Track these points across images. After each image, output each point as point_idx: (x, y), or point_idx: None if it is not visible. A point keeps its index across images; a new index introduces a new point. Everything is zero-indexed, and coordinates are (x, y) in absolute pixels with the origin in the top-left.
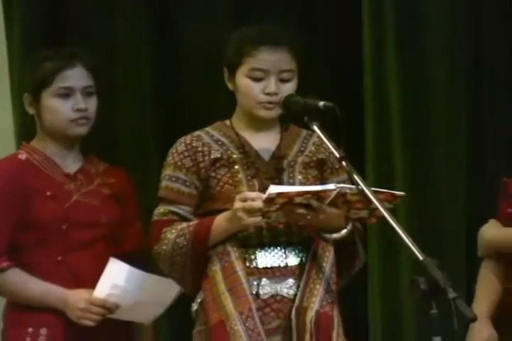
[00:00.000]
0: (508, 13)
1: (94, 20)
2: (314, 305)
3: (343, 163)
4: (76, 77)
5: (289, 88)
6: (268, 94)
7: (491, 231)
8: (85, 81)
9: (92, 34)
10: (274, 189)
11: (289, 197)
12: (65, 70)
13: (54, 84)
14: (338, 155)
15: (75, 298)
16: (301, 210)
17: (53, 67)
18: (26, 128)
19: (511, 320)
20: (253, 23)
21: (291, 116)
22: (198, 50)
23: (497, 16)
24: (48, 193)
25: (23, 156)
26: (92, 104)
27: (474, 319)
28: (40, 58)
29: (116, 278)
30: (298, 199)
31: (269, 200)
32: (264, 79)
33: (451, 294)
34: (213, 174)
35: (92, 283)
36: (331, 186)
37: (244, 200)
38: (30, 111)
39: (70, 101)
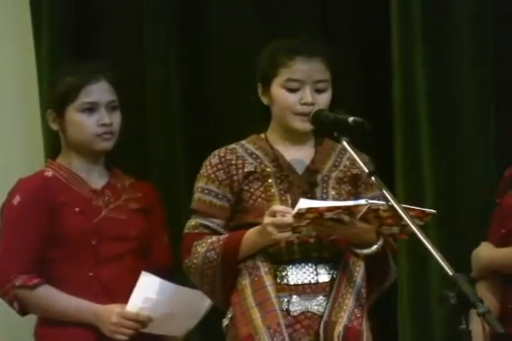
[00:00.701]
0: None
1: (120, 30)
2: (343, 319)
3: (373, 178)
4: (100, 91)
5: (325, 98)
6: (305, 104)
7: (487, 252)
8: (109, 95)
9: (119, 44)
10: (304, 204)
11: (319, 212)
12: (89, 85)
13: (78, 99)
14: (367, 170)
15: (108, 313)
16: (331, 224)
17: (77, 81)
18: (55, 144)
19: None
20: (279, 29)
21: (321, 130)
22: (231, 67)
23: None
24: (77, 209)
25: (49, 173)
26: (116, 119)
27: (504, 334)
28: (62, 74)
29: (148, 291)
30: (328, 215)
31: (299, 215)
32: (299, 89)
33: (481, 309)
34: (246, 187)
35: (123, 297)
36: (362, 201)
37: (274, 215)
38: (54, 127)
39: (94, 116)
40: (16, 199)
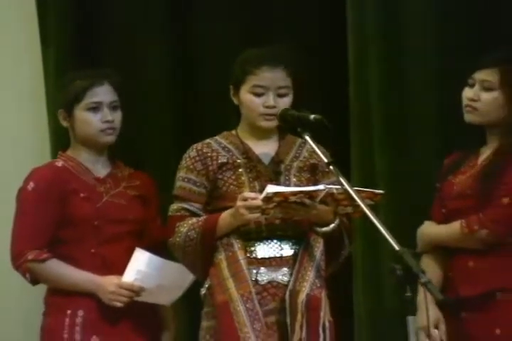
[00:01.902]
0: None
1: (118, 45)
2: (305, 288)
3: (331, 167)
4: (104, 93)
5: (286, 102)
6: (267, 107)
7: (430, 227)
8: (111, 96)
9: (117, 56)
10: (271, 189)
11: (284, 196)
12: (94, 87)
13: (85, 100)
14: (326, 160)
15: (107, 283)
16: (295, 207)
17: (84, 85)
18: (60, 139)
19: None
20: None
21: (287, 127)
22: (214, 67)
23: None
24: (82, 195)
25: (59, 163)
26: (117, 116)
27: (443, 300)
28: (71, 78)
29: (140, 264)
30: (292, 198)
31: (267, 199)
32: (264, 94)
33: (423, 279)
34: (220, 176)
35: (120, 271)
36: (320, 187)
37: (245, 199)
38: (65, 124)
39: (99, 114)
40: (30, 186)
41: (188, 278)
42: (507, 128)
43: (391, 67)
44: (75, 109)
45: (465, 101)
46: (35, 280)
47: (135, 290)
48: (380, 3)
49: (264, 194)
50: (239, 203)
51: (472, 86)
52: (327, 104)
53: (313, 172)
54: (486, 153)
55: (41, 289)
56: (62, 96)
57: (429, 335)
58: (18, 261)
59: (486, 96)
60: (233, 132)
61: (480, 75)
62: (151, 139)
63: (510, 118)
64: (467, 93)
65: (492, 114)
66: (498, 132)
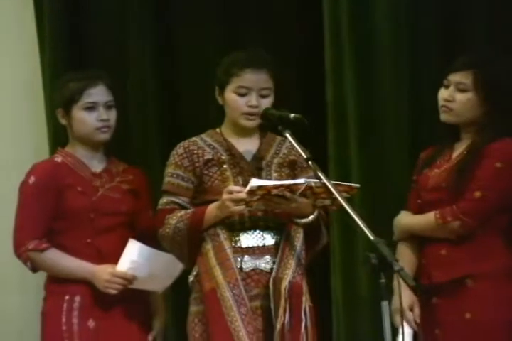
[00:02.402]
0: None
1: (108, 50)
2: (288, 276)
3: (310, 162)
4: (99, 93)
5: (267, 102)
6: (250, 106)
7: (406, 218)
8: (106, 97)
9: (107, 60)
10: (255, 183)
11: (267, 190)
12: (90, 88)
13: (82, 100)
14: (305, 156)
15: (101, 272)
16: (277, 200)
17: (80, 86)
18: (58, 136)
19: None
20: (240, 48)
21: (269, 125)
22: (197, 72)
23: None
24: (79, 189)
25: (58, 159)
26: (112, 115)
27: (415, 287)
28: (67, 79)
29: (133, 254)
30: (274, 191)
31: (251, 192)
32: (247, 94)
33: (396, 267)
34: (206, 172)
35: (114, 260)
36: (300, 181)
37: (231, 193)
38: (63, 122)
39: (94, 113)
40: (31, 180)
41: (177, 267)
42: (480, 127)
43: (365, 69)
44: (73, 109)
45: (441, 102)
46: (35, 268)
47: (128, 279)
48: (355, 8)
49: (248, 187)
50: (225, 196)
51: (447, 87)
52: (306, 105)
53: (293, 168)
54: (460, 149)
55: (42, 276)
56: (59, 96)
57: (404, 317)
58: (19, 250)
59: (460, 97)
60: (217, 130)
61: (455, 77)
62: (138, 137)
63: (483, 118)
64: (443, 94)
65: (466, 113)
66: (471, 130)
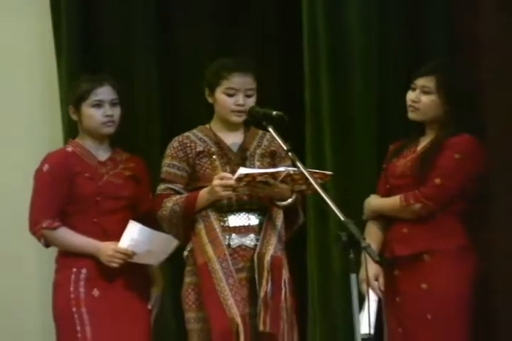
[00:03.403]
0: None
1: (116, 54)
2: (270, 251)
3: (290, 153)
4: (105, 92)
5: (252, 101)
6: (238, 105)
7: (375, 200)
8: (111, 95)
9: (115, 64)
10: (242, 171)
11: (252, 177)
12: (97, 88)
13: (90, 98)
14: (285, 147)
15: (105, 248)
16: (261, 185)
17: (89, 86)
18: (71, 129)
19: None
20: (227, 54)
21: (253, 121)
22: (192, 74)
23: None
24: (87, 175)
25: (69, 149)
26: (116, 112)
27: (379, 261)
28: (79, 81)
29: (133, 233)
30: (259, 178)
31: (239, 179)
32: (235, 95)
33: (364, 243)
34: (198, 162)
35: (117, 238)
36: (281, 169)
37: (221, 179)
38: (74, 117)
39: (101, 109)
40: (45, 167)
41: (171, 245)
42: (441, 124)
43: (339, 73)
44: (82, 106)
45: (408, 103)
46: (47, 244)
47: (128, 254)
48: (330, 18)
49: (236, 175)
50: (215, 182)
51: (414, 90)
52: (286, 103)
53: (273, 158)
54: (424, 142)
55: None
56: (71, 95)
57: (369, 286)
58: (34, 228)
59: (425, 98)
60: (207, 126)
61: (420, 81)
62: (142, 131)
63: (444, 116)
64: (410, 96)
65: (430, 112)
66: (434, 126)
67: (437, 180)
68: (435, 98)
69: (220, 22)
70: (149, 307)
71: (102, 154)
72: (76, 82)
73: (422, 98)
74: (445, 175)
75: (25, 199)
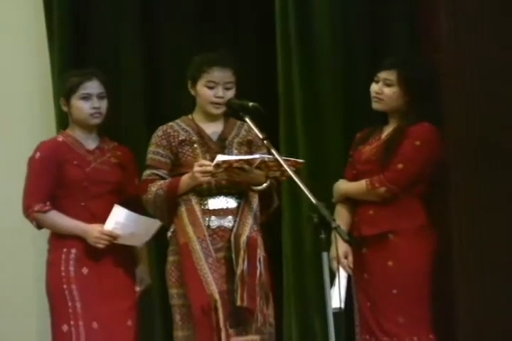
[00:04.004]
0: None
1: (104, 50)
2: (246, 232)
3: (265, 141)
4: (93, 86)
5: (231, 93)
6: (217, 97)
7: (343, 184)
8: (99, 89)
9: (104, 58)
10: (220, 158)
11: (229, 163)
12: (86, 82)
13: (79, 91)
14: (261, 136)
15: (92, 230)
16: (237, 171)
17: (78, 80)
18: (63, 121)
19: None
20: (208, 49)
21: (232, 112)
22: (175, 67)
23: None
24: (75, 162)
25: (60, 139)
26: (103, 104)
27: (348, 240)
28: (69, 75)
29: (118, 217)
30: (235, 165)
31: (217, 165)
32: (214, 88)
33: (334, 224)
34: (180, 150)
35: (103, 220)
36: (256, 156)
37: (201, 166)
38: (65, 109)
39: (89, 102)
40: (38, 155)
41: (153, 228)
42: (403, 113)
43: (309, 67)
44: (72, 98)
45: (372, 94)
46: (39, 226)
47: (113, 236)
48: (300, 21)
49: (215, 161)
50: (195, 169)
51: (377, 82)
52: (262, 95)
53: (249, 146)
54: (387, 131)
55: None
56: (62, 88)
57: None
58: (27, 211)
59: (387, 90)
60: (189, 117)
61: (383, 75)
62: (129, 122)
63: (405, 106)
64: (374, 88)
65: (392, 103)
66: (396, 116)
67: (400, 165)
68: (396, 90)
69: (200, 20)
70: (137, 289)
71: (91, 143)
72: (66, 75)
73: (384, 90)
74: (406, 160)
75: (20, 185)
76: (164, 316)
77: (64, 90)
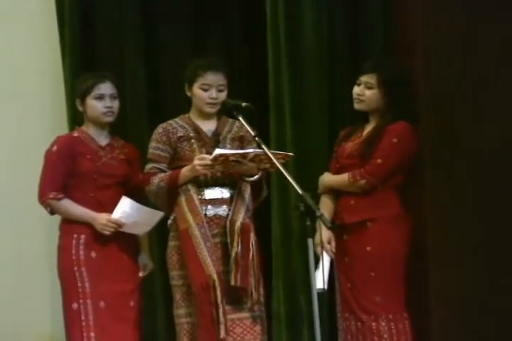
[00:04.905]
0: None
1: (111, 54)
2: (240, 218)
3: (256, 138)
4: (106, 88)
5: (223, 95)
6: (211, 98)
7: (327, 177)
8: (111, 90)
9: (110, 62)
10: (218, 151)
11: (226, 157)
12: (100, 84)
13: (93, 92)
14: (253, 133)
15: (100, 218)
16: (233, 164)
17: (93, 82)
18: (74, 119)
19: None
20: (203, 53)
21: (226, 111)
22: (174, 70)
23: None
24: (88, 156)
25: (75, 134)
26: (115, 104)
27: (331, 227)
28: (84, 78)
29: (124, 207)
30: (231, 158)
31: (215, 158)
32: (209, 90)
33: (318, 213)
34: (179, 145)
35: (110, 210)
36: (250, 150)
37: (201, 159)
38: (80, 109)
39: (102, 102)
40: (54, 148)
41: (155, 218)
42: (382, 113)
43: (297, 69)
44: (87, 99)
45: (354, 96)
46: (52, 212)
47: (119, 224)
48: (289, 22)
49: (213, 155)
50: (196, 162)
51: (359, 85)
52: (253, 95)
53: (241, 142)
54: (368, 128)
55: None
56: (78, 89)
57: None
58: (42, 198)
59: (368, 92)
60: (186, 115)
61: (364, 78)
62: (133, 121)
63: (384, 107)
64: (356, 90)
65: (372, 104)
66: (376, 115)
67: (379, 160)
68: (376, 92)
69: (196, 24)
70: (141, 274)
71: (103, 140)
72: (82, 78)
73: (365, 92)
74: (385, 156)
75: (37, 176)
76: (165, 296)
77: (79, 91)
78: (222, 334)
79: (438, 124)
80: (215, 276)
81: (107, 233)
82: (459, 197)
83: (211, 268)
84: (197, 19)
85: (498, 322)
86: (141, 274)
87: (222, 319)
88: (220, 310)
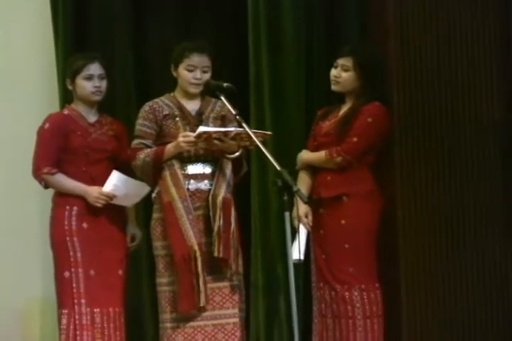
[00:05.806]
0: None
1: (102, 35)
2: (221, 193)
3: (237, 117)
4: (95, 68)
5: (207, 76)
6: (196, 79)
7: (305, 154)
8: (100, 70)
9: (101, 42)
10: (201, 129)
11: (209, 134)
12: (89, 64)
13: (83, 72)
14: (234, 112)
15: (92, 191)
16: (215, 141)
17: (82, 63)
18: (65, 97)
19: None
20: (190, 38)
21: (209, 91)
22: (161, 52)
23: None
24: (78, 133)
25: (66, 112)
26: (103, 84)
27: (308, 201)
28: (74, 58)
29: (114, 180)
30: (214, 136)
31: (199, 136)
32: (193, 70)
33: (295, 188)
34: (164, 123)
35: (101, 183)
36: (231, 129)
37: (185, 136)
38: (70, 88)
39: (91, 82)
40: (46, 125)
41: (143, 191)
42: (357, 94)
43: (275, 55)
44: (77, 78)
45: (331, 77)
46: (46, 186)
47: (110, 197)
48: (269, 13)
49: (197, 132)
50: (180, 139)
51: (336, 67)
52: (235, 77)
53: (223, 121)
54: (344, 109)
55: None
56: (68, 69)
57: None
58: (36, 173)
59: (344, 75)
60: (172, 94)
61: (340, 61)
62: (122, 99)
63: (360, 88)
64: (333, 72)
65: (348, 86)
66: (352, 96)
67: (354, 138)
68: (352, 74)
69: (184, 12)
70: (131, 244)
71: (92, 117)
72: (72, 58)
73: (342, 74)
74: (360, 134)
75: (29, 151)
76: (149, 266)
77: (70, 71)
78: (203, 302)
79: (409, 103)
80: (196, 247)
81: (99, 205)
82: (429, 174)
83: (193, 239)
84: (185, 3)
85: (461, 288)
86: (132, 243)
87: (202, 288)
88: (201, 280)
